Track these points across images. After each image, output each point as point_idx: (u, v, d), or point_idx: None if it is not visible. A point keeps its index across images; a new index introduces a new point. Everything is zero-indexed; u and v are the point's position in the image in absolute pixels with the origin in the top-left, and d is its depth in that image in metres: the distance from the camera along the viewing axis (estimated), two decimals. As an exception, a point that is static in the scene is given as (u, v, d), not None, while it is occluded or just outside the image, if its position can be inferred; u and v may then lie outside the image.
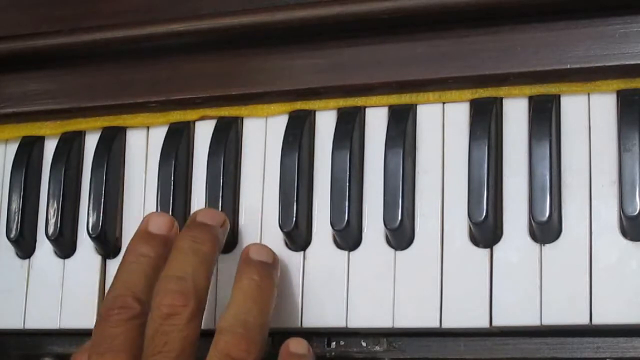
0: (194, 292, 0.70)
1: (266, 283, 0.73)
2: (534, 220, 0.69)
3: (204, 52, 0.80)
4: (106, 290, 0.80)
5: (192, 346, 0.69)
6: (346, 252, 0.75)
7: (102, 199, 0.81)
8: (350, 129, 0.75)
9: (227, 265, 0.77)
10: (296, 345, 0.72)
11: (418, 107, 0.75)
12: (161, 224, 0.75)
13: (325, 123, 0.77)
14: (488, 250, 0.71)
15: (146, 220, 0.76)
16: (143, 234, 0.75)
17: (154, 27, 0.80)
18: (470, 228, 0.71)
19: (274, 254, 0.75)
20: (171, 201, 0.79)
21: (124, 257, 0.74)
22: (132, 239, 0.75)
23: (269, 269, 0.74)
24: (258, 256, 0.74)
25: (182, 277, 0.70)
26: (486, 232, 0.70)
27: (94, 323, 0.71)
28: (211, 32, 0.79)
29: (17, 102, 0.86)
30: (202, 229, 0.74)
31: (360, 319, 0.73)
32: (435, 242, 0.73)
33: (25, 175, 0.85)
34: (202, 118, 0.82)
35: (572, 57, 0.70)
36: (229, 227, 0.77)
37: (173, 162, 0.80)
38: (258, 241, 0.77)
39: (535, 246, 0.70)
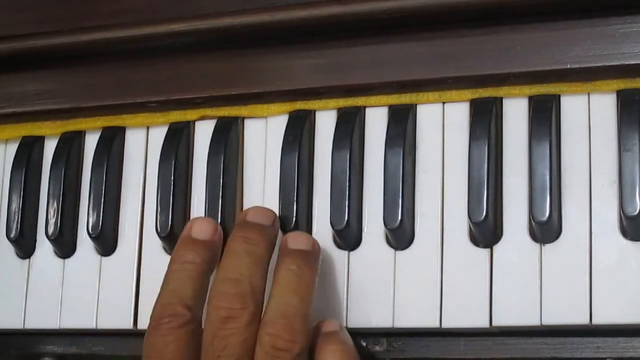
0: (252, 294, 0.68)
1: (305, 271, 0.71)
2: (534, 220, 0.69)
3: (204, 52, 0.80)
4: (103, 290, 0.80)
5: (252, 349, 0.68)
6: (346, 252, 0.75)
7: (102, 199, 0.81)
8: (350, 128, 0.75)
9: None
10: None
11: (418, 107, 0.75)
12: (204, 229, 0.74)
13: (325, 123, 0.77)
14: (488, 250, 0.71)
15: (189, 226, 0.74)
16: (187, 240, 0.73)
17: (154, 27, 0.80)
18: (470, 228, 0.71)
19: (313, 240, 0.73)
20: (171, 201, 0.79)
21: (169, 266, 0.73)
22: (176, 247, 0.74)
23: (307, 257, 0.71)
24: (296, 245, 0.72)
25: (238, 279, 0.69)
26: (486, 232, 0.70)
27: (145, 335, 0.70)
28: (211, 32, 0.79)
29: (17, 102, 0.86)
30: (254, 229, 0.72)
31: (360, 319, 0.73)
32: (435, 242, 0.72)
33: (25, 175, 0.85)
34: (202, 118, 0.82)
35: (572, 57, 0.70)
36: (279, 226, 0.75)
37: (173, 162, 0.80)
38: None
39: (535, 246, 0.70)
